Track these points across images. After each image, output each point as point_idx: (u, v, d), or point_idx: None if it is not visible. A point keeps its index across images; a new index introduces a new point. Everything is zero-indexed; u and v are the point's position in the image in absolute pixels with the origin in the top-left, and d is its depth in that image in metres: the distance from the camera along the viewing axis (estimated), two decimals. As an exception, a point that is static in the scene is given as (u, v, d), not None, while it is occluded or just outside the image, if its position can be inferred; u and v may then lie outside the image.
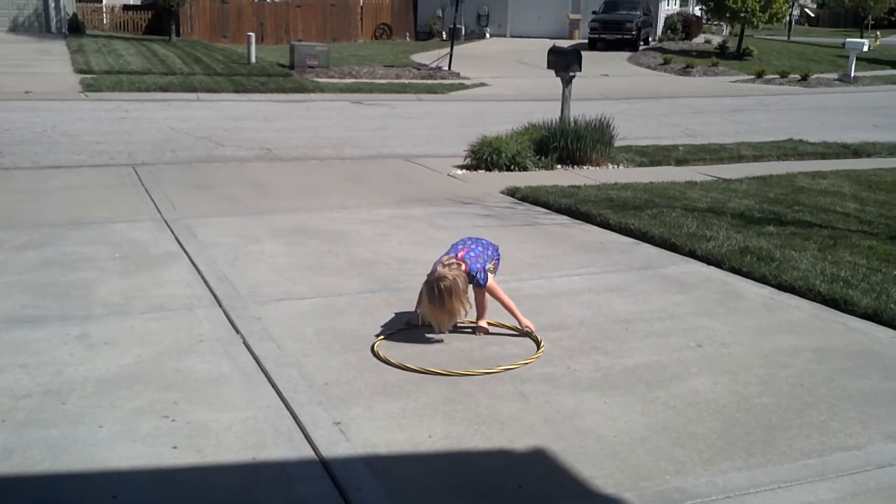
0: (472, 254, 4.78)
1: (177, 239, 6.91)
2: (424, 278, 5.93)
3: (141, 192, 8.89)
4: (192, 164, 10.98)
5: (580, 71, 11.93)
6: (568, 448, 3.53)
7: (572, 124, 11.39)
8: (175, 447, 3.53)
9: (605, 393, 4.10)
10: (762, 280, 6.01)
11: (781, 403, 4.02)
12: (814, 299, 5.63)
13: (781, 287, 5.86)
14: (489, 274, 4.81)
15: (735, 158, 12.21)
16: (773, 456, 3.51)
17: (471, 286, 4.76)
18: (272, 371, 4.27)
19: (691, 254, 6.65)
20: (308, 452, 3.51)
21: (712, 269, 6.35)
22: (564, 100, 11.88)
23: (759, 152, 12.65)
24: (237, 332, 4.85)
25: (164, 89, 19.04)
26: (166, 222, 7.51)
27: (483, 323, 4.95)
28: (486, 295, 4.92)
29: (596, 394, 4.09)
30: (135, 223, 7.49)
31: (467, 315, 4.76)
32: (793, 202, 8.69)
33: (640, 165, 11.51)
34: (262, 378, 4.21)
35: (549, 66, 12.09)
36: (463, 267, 4.66)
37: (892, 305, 5.31)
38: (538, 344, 4.67)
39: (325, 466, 3.41)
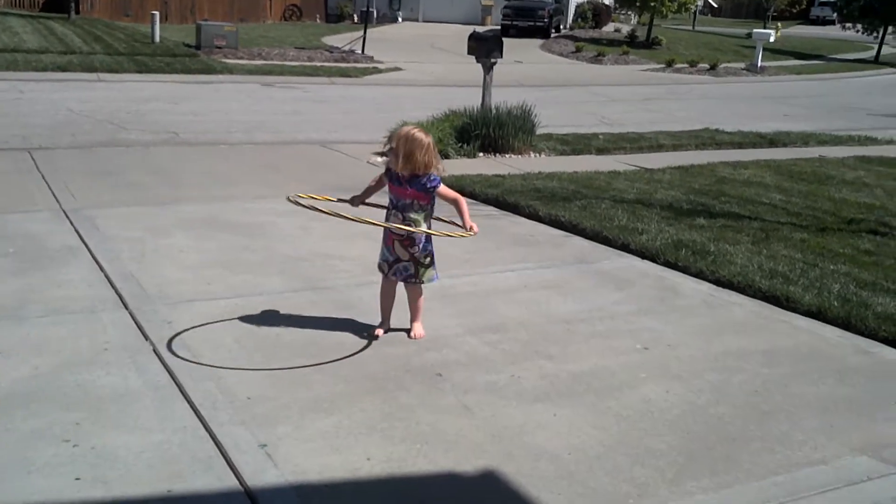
0: None
1: (77, 232, 6.35)
2: (350, 277, 5.61)
3: (37, 180, 8.23)
4: (93, 149, 10.29)
5: (501, 57, 11.65)
6: (521, 470, 3.23)
7: (494, 111, 11.11)
8: (77, 478, 3.09)
9: (554, 403, 3.81)
10: (699, 275, 5.84)
11: (739, 413, 3.80)
12: (754, 296, 5.48)
13: (720, 283, 5.69)
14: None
15: (655, 147, 12.14)
16: (738, 474, 3.27)
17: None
18: (187, 385, 3.85)
19: (625, 247, 6.45)
20: (231, 482, 3.11)
21: (647, 263, 6.15)
22: (485, 86, 11.59)
23: (678, 141, 12.61)
24: (146, 338, 4.39)
25: (63, 69, 18.02)
26: (65, 213, 6.92)
27: (417, 326, 4.61)
28: (421, 297, 4.58)
29: (544, 405, 3.80)
30: (30, 214, 6.89)
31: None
32: (718, 193, 8.60)
33: (562, 154, 11.32)
34: (175, 393, 3.78)
35: (470, 51, 11.76)
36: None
37: (835, 303, 5.18)
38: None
39: (251, 498, 3.03)
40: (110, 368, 4.01)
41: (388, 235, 4.54)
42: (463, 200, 4.59)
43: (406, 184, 4.40)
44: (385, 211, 4.58)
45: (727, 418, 3.74)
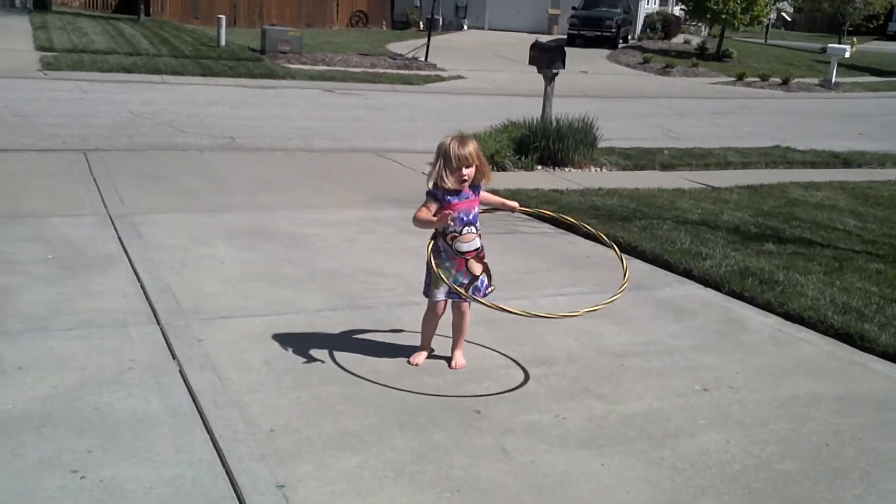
0: None
1: (119, 239, 6.21)
2: (391, 296, 5.35)
3: (88, 182, 8.16)
4: (147, 152, 10.23)
5: (563, 68, 11.31)
6: (561, 530, 2.92)
7: (554, 124, 10.78)
8: (79, 516, 2.87)
9: (602, 451, 3.49)
10: (767, 307, 5.44)
11: (807, 470, 3.43)
12: (825, 332, 5.07)
13: (789, 317, 5.29)
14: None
15: (722, 165, 11.67)
16: (808, 546, 2.92)
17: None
18: (209, 412, 3.62)
19: (687, 273, 6.07)
20: (243, 527, 2.87)
21: (710, 291, 5.78)
22: (546, 97, 11.27)
23: (747, 159, 12.12)
24: (173, 357, 4.18)
25: (128, 70, 18.17)
26: (111, 218, 6.80)
27: (459, 355, 4.32)
28: (467, 321, 4.29)
29: (591, 451, 3.47)
30: (75, 218, 6.78)
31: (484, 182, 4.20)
32: (789, 216, 8.15)
33: (623, 169, 10.94)
34: (196, 421, 3.55)
35: (532, 61, 11.44)
36: None
37: (915, 344, 4.75)
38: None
39: (263, 547, 2.77)
40: (132, 389, 3.80)
41: (458, 261, 4.19)
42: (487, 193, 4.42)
43: (469, 192, 4.17)
44: (438, 240, 4.21)
45: (794, 476, 3.38)
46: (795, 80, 27.88)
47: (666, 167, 11.22)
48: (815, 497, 3.23)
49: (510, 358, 4.42)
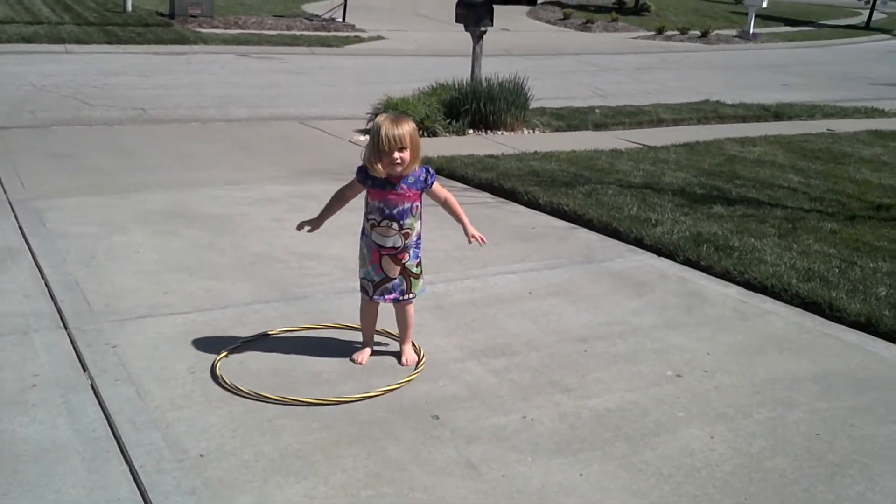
0: None
1: (20, 229, 5.60)
2: (328, 282, 4.90)
3: (-15, 164, 7.45)
4: (52, 128, 9.48)
5: (491, 25, 10.85)
6: (545, 561, 2.55)
7: (484, 85, 10.35)
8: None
9: (578, 457, 3.12)
10: (726, 276, 5.16)
11: (802, 467, 3.13)
12: (790, 302, 4.80)
13: (751, 286, 5.01)
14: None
15: (655, 122, 11.41)
16: (819, 560, 2.61)
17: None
18: (127, 436, 3.14)
19: (638, 242, 5.75)
20: (174, 584, 2.42)
21: (665, 261, 5.47)
22: (475, 57, 10.80)
23: (679, 115, 11.88)
24: (84, 369, 3.67)
25: (29, 40, 17.02)
26: (10, 205, 6.16)
27: (408, 350, 3.91)
28: (411, 313, 3.89)
29: (566, 459, 3.11)
30: (-30, 205, 6.13)
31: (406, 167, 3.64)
32: (731, 175, 7.90)
33: (557, 130, 10.58)
34: (112, 448, 3.07)
35: (458, 19, 10.95)
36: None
37: (886, 312, 4.51)
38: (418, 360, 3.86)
39: None
40: (37, 412, 3.30)
41: (373, 251, 3.80)
42: (455, 200, 3.89)
43: (402, 184, 3.67)
44: (365, 225, 3.81)
45: (790, 475, 3.07)
46: (714, 32, 27.89)
47: (599, 126, 10.91)
48: (815, 499, 2.93)
49: (465, 349, 4.02)
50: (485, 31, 10.76)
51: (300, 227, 3.99)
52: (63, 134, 9.13)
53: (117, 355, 3.80)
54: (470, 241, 3.86)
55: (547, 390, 3.63)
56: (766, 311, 4.68)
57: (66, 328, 4.08)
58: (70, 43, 17.19)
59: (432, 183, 3.74)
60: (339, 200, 3.92)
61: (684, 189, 7.19)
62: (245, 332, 4.12)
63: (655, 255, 5.55)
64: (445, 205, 3.84)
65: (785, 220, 6.36)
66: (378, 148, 3.55)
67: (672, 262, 5.42)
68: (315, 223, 3.96)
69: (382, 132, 3.54)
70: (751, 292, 4.95)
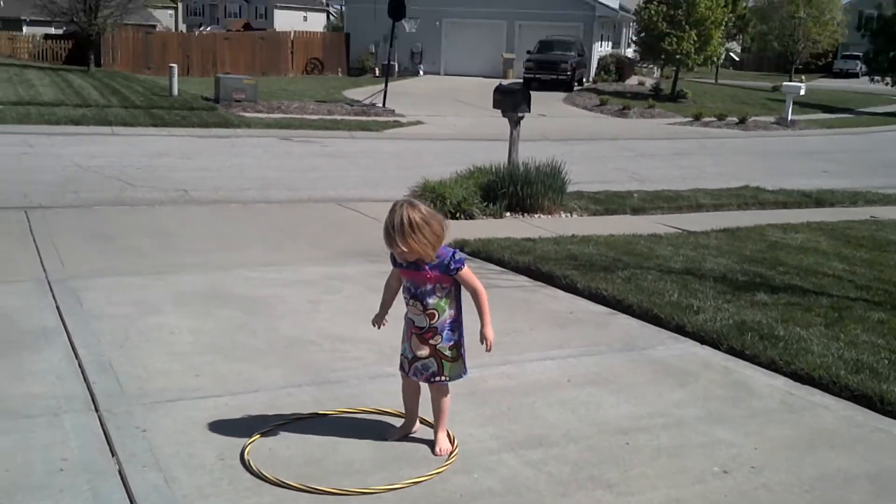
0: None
1: (57, 308, 5.60)
2: (362, 366, 4.82)
3: (28, 243, 7.54)
4: (94, 208, 9.63)
5: (529, 111, 10.97)
6: None
7: (521, 168, 10.38)
8: None
9: (620, 560, 2.97)
10: (772, 367, 4.99)
11: (861, 574, 2.94)
12: (840, 394, 4.62)
13: (797, 377, 4.84)
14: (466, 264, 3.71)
15: (694, 207, 11.36)
16: None
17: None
18: (153, 528, 3.04)
19: (679, 329, 5.62)
20: None
21: (708, 349, 5.32)
22: (512, 142, 10.89)
23: (718, 200, 11.83)
24: (113, 454, 3.60)
25: (77, 122, 17.52)
26: (49, 284, 6.19)
27: (442, 439, 3.80)
28: (446, 399, 3.78)
29: (607, 561, 2.95)
30: (11, 285, 6.17)
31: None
32: (774, 262, 7.76)
33: (594, 214, 10.56)
34: (137, 540, 2.98)
35: (496, 105, 11.09)
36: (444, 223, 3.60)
37: (941, 406, 4.32)
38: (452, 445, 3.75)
39: None
40: (62, 498, 3.22)
41: (409, 328, 3.79)
42: (484, 294, 3.75)
43: (425, 266, 3.63)
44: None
45: (848, 583, 2.89)
46: (752, 118, 28.00)
47: (637, 211, 10.87)
48: None
49: (501, 440, 3.89)
50: (522, 117, 10.86)
51: (375, 324, 3.97)
52: (105, 214, 9.26)
53: (147, 440, 3.73)
54: (481, 342, 3.75)
55: (587, 486, 3.48)
56: (814, 404, 4.50)
57: (96, 411, 4.02)
58: (116, 125, 17.66)
59: (456, 269, 3.65)
60: (387, 292, 3.95)
61: (726, 275, 7.06)
62: (277, 416, 4.03)
63: (698, 344, 5.40)
64: (473, 295, 3.75)
65: (831, 308, 6.19)
66: (385, 235, 3.55)
67: (715, 351, 5.27)
68: (379, 317, 3.97)
69: (385, 222, 3.54)
70: (798, 384, 4.77)
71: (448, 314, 3.72)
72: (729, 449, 3.88)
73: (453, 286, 3.72)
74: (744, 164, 17.85)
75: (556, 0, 37.95)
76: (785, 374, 4.89)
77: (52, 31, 42.40)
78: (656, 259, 7.57)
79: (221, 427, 3.89)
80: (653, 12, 32.22)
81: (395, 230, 3.50)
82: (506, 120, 10.95)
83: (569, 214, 10.39)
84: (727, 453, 3.84)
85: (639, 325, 5.78)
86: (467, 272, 3.70)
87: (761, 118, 28.96)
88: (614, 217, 10.44)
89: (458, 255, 3.71)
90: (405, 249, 3.52)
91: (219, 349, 4.97)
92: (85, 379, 4.40)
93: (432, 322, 3.70)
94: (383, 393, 4.35)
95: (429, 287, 3.67)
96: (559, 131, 21.91)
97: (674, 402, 4.43)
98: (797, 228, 9.69)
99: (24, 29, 48.87)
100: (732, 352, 5.22)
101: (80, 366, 4.58)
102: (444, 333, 3.74)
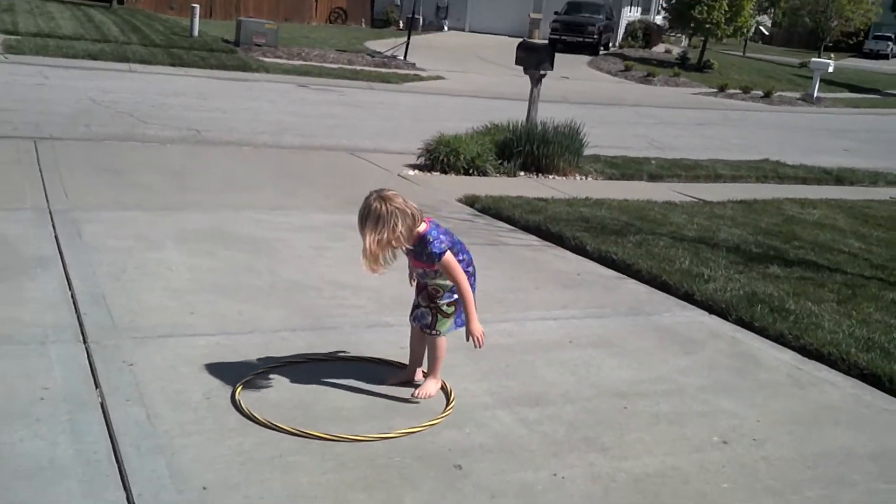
0: (439, 228, 3.63)
1: (56, 238, 5.51)
2: (361, 314, 4.72)
3: (33, 173, 7.44)
4: (104, 142, 9.51)
5: (552, 69, 10.76)
6: None
7: (539, 128, 10.19)
8: None
9: (609, 524, 2.87)
10: (780, 340, 4.86)
11: (859, 555, 2.83)
12: (848, 372, 4.49)
13: (806, 352, 4.71)
14: (447, 252, 3.56)
15: (712, 177, 11.14)
16: None
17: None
18: (130, 461, 2.95)
19: (688, 297, 5.48)
20: None
21: (716, 319, 5.18)
22: (532, 100, 10.68)
23: (737, 172, 11.60)
24: (97, 386, 3.51)
25: (94, 57, 17.34)
26: (50, 214, 6.10)
27: (429, 384, 3.70)
28: (439, 348, 3.68)
29: (596, 525, 2.85)
30: (12, 212, 6.08)
31: (386, 265, 3.50)
32: (789, 235, 7.59)
33: (610, 178, 10.36)
34: (111, 472, 2.89)
35: (518, 62, 10.85)
36: (417, 215, 3.50)
37: (953, 390, 4.19)
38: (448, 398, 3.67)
39: None
40: (38, 428, 3.13)
41: (419, 282, 3.73)
42: (465, 286, 3.57)
43: (411, 254, 3.61)
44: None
45: (845, 563, 2.78)
46: (777, 93, 27.54)
47: (654, 178, 10.66)
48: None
49: (496, 395, 3.79)
50: (544, 75, 10.64)
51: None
52: (114, 149, 9.14)
53: (133, 374, 3.64)
54: (467, 339, 3.61)
55: (581, 447, 3.37)
56: (821, 380, 4.37)
57: (84, 342, 3.94)
58: (134, 62, 17.47)
59: (438, 253, 3.51)
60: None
61: (739, 246, 6.91)
62: (269, 359, 3.94)
63: (706, 313, 5.27)
64: (455, 287, 3.61)
65: (844, 285, 6.04)
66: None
67: (723, 321, 5.14)
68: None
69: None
70: (806, 358, 4.64)
71: (449, 288, 3.66)
72: (731, 420, 3.76)
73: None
74: (766, 137, 17.54)
75: (587, -39, 37.28)
76: (793, 349, 4.76)
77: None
78: (669, 226, 7.41)
79: (211, 366, 3.80)
80: (684, -22, 31.56)
81: (360, 219, 3.45)
82: (527, 78, 10.73)
83: (584, 177, 10.21)
84: (728, 424, 3.72)
85: (647, 291, 5.64)
86: (447, 262, 3.53)
87: (787, 93, 28.49)
88: (630, 182, 10.26)
89: (438, 244, 3.53)
90: (367, 242, 3.40)
91: (217, 288, 4.87)
92: (76, 310, 4.31)
93: (438, 297, 3.68)
94: (382, 342, 4.25)
95: (420, 270, 3.66)
96: (581, 94, 21.58)
97: (677, 369, 4.31)
98: (815, 204, 9.49)
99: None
100: (741, 323, 5.09)
101: (73, 296, 4.49)
102: (445, 294, 3.67)
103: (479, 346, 3.60)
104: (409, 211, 3.46)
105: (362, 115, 14.56)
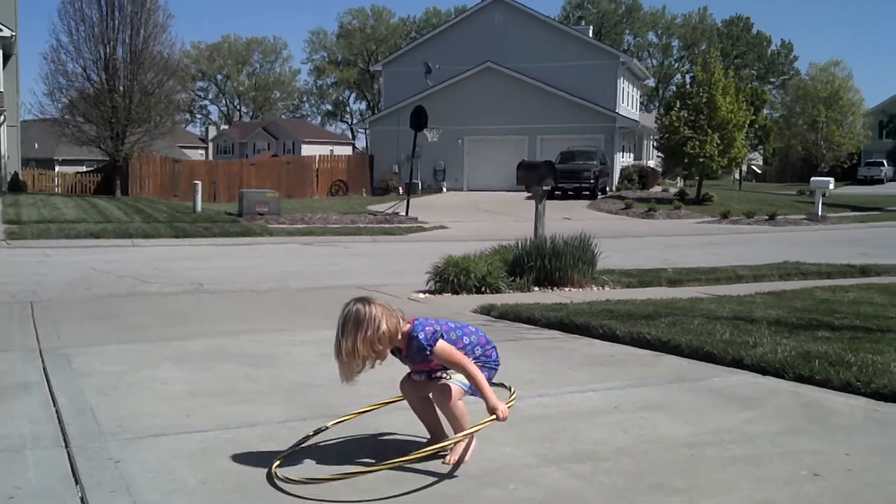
0: (427, 321, 3.26)
1: (44, 369, 5.08)
2: (376, 400, 4.22)
3: (26, 325, 7.07)
4: (103, 299, 9.19)
5: (555, 184, 10.58)
6: None
7: (549, 242, 9.89)
8: None
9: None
10: (847, 388, 4.33)
11: None
12: (933, 410, 3.94)
13: (881, 396, 4.17)
14: (440, 340, 3.15)
15: (733, 279, 10.73)
16: None
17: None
18: (108, 544, 2.43)
19: (736, 363, 4.97)
20: None
21: (772, 379, 4.66)
22: (538, 217, 10.46)
23: (758, 272, 11.21)
24: (77, 482, 3.00)
25: (96, 236, 17.35)
26: (40, 352, 5.68)
27: (458, 447, 3.19)
28: (454, 403, 3.18)
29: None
30: (-1, 354, 5.66)
31: (361, 371, 3.22)
32: (829, 311, 7.12)
33: (628, 286, 9.96)
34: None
35: (520, 181, 10.77)
36: (400, 317, 3.20)
37: None
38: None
39: None
40: (3, 525, 2.62)
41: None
42: (472, 369, 3.18)
43: (406, 358, 3.32)
44: None
45: None
46: (781, 216, 27.52)
47: (674, 283, 10.26)
48: None
49: (541, 456, 3.25)
50: (547, 191, 10.47)
51: None
52: (112, 303, 8.81)
53: (119, 470, 3.14)
54: (492, 412, 3.16)
55: (649, 493, 2.83)
56: (907, 419, 3.83)
57: (66, 447, 3.45)
58: (137, 237, 17.45)
59: (428, 345, 3.16)
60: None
61: (779, 321, 6.43)
62: (274, 446, 3.43)
63: (759, 375, 4.75)
64: (462, 372, 3.20)
65: (902, 341, 5.53)
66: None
67: (780, 380, 4.62)
68: None
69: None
70: (881, 402, 4.10)
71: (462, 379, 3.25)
72: (816, 456, 3.22)
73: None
74: (779, 250, 17.19)
75: (577, 113, 38.33)
76: (864, 395, 4.23)
77: (84, 169, 43.38)
78: (700, 311, 6.96)
79: (209, 458, 3.30)
80: (674, 118, 32.25)
81: (341, 325, 3.18)
82: (528, 221, 10.54)
83: (600, 287, 9.81)
84: (815, 460, 3.17)
85: (688, 363, 5.14)
86: (441, 350, 3.17)
87: (791, 216, 28.47)
88: (649, 288, 9.84)
89: (423, 334, 3.20)
90: (348, 343, 3.11)
91: (215, 393, 4.40)
92: (59, 421, 3.85)
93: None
94: (404, 422, 3.75)
95: (427, 371, 3.34)
96: (586, 231, 21.45)
97: (741, 420, 3.77)
98: (847, 289, 9.05)
99: (57, 168, 50.02)
100: (800, 379, 4.57)
101: (57, 411, 4.03)
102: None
103: (503, 419, 3.12)
104: (392, 310, 3.22)
105: (367, 262, 14.34)
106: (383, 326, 3.11)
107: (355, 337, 3.10)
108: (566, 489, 2.88)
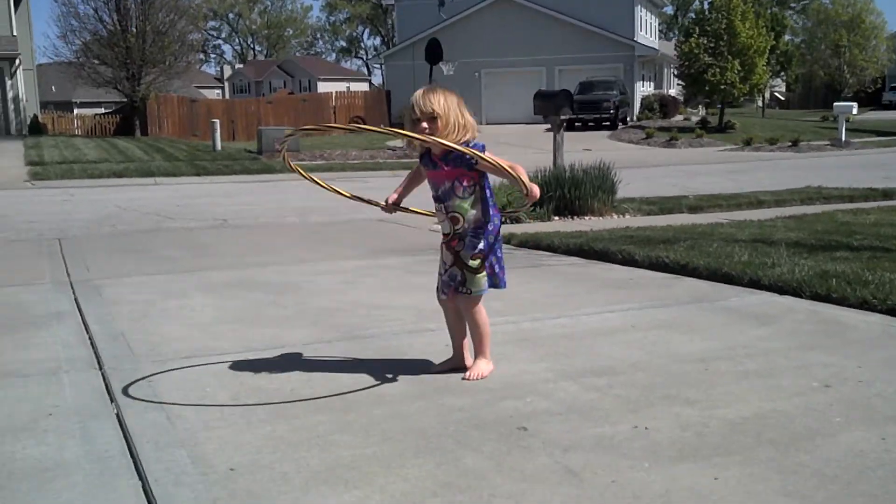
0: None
1: (75, 299, 5.22)
2: (399, 325, 4.33)
3: (55, 259, 7.22)
4: (129, 235, 9.33)
5: (572, 113, 10.58)
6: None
7: (568, 172, 9.89)
8: None
9: (711, 462, 2.41)
10: (864, 306, 4.38)
11: None
12: (949, 324, 3.99)
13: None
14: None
15: (754, 204, 10.72)
16: None
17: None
18: (145, 454, 2.56)
19: (754, 283, 5.02)
20: None
21: (789, 298, 4.71)
22: (556, 147, 10.44)
23: (780, 197, 11.18)
24: (112, 400, 3.13)
25: (119, 175, 17.50)
26: (71, 284, 5.82)
27: (482, 363, 3.29)
28: (478, 316, 3.28)
29: (695, 464, 2.39)
30: (31, 286, 5.81)
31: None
32: (849, 232, 7.13)
33: (648, 214, 9.97)
34: (125, 465, 2.49)
35: (537, 111, 10.70)
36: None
37: None
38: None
39: None
40: (45, 436, 2.76)
41: (441, 244, 3.40)
42: (518, 167, 3.24)
43: (441, 162, 3.25)
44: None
45: None
46: (804, 142, 27.22)
47: (694, 209, 10.27)
48: None
49: (558, 371, 3.35)
50: (565, 120, 10.42)
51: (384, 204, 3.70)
52: (139, 237, 8.95)
53: (152, 388, 3.27)
54: (525, 194, 3.23)
55: (662, 403, 2.92)
56: (921, 333, 3.89)
57: (100, 369, 3.58)
58: (159, 176, 17.58)
59: (472, 157, 3.16)
60: (410, 175, 3.74)
61: (798, 242, 6.46)
62: (304, 368, 3.54)
63: (776, 294, 4.80)
64: (507, 176, 3.24)
65: (922, 260, 5.55)
66: (409, 118, 3.27)
67: (797, 299, 4.67)
68: (397, 199, 3.71)
69: (412, 100, 3.23)
70: (897, 318, 4.16)
71: (472, 216, 3.28)
72: (828, 369, 3.29)
73: (477, 186, 3.27)
74: (801, 176, 17.07)
75: (595, 43, 37.81)
76: (881, 312, 4.27)
77: (102, 111, 43.42)
78: (719, 235, 6.99)
79: (239, 375, 3.42)
80: (693, 45, 31.74)
81: (421, 93, 3.25)
82: (549, 154, 10.51)
83: (621, 216, 9.83)
84: (826, 372, 3.24)
85: (707, 285, 5.20)
86: (489, 156, 3.21)
87: (814, 142, 28.17)
88: (671, 215, 9.84)
89: (474, 141, 3.28)
90: (440, 101, 3.17)
91: (243, 319, 4.52)
92: (93, 346, 3.98)
93: (456, 227, 3.33)
94: (425, 344, 3.85)
95: (448, 185, 3.31)
96: (607, 161, 21.36)
97: (756, 337, 3.84)
98: (868, 212, 9.02)
99: (75, 111, 50.11)
100: (817, 297, 4.62)
101: (90, 337, 4.17)
102: (468, 240, 3.31)
103: (536, 197, 3.24)
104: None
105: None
106: (467, 115, 3.27)
107: (446, 96, 3.20)
108: (581, 400, 2.98)
